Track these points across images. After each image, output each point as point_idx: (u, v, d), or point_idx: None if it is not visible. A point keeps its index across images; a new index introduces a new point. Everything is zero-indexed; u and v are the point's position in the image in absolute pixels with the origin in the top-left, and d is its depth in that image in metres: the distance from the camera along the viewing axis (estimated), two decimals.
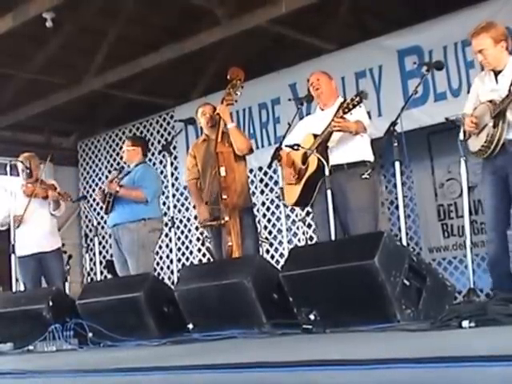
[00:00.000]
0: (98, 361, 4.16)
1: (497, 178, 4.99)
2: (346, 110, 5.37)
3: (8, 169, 7.33)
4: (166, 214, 9.61)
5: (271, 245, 8.94)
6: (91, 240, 8.41)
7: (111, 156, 10.70)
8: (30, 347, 5.58)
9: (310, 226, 8.15)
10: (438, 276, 4.54)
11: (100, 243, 7.10)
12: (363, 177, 5.54)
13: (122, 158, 9.09)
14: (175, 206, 9.40)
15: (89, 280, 10.07)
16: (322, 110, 5.88)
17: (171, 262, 8.37)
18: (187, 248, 9.82)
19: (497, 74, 5.02)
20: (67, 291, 7.53)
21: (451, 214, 8.69)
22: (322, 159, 5.39)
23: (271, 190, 9.09)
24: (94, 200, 10.37)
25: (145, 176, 7.02)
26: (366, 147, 5.72)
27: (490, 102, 4.94)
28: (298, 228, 8.75)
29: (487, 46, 4.96)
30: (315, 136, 5.61)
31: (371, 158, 5.73)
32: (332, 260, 4.37)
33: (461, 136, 4.86)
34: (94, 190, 10.60)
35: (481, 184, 5.05)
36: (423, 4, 8.69)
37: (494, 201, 4.98)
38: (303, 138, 5.72)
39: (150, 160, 10.21)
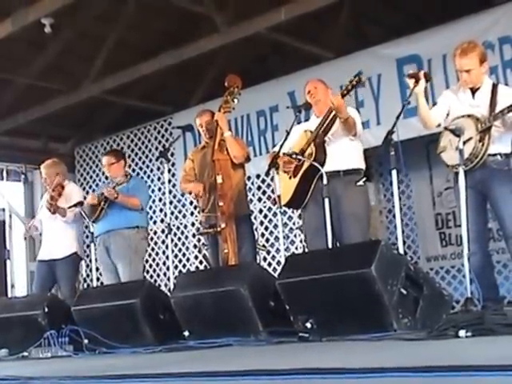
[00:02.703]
0: (93, 367, 4.15)
1: (475, 192, 5.05)
2: (346, 92, 5.44)
3: (4, 174, 7.32)
4: (162, 220, 9.64)
5: (268, 252, 8.93)
6: (88, 246, 8.39)
7: None
8: (25, 353, 5.57)
9: None
10: (435, 285, 4.54)
11: (96, 249, 7.06)
12: (358, 184, 5.58)
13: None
14: (172, 213, 9.39)
15: (85, 286, 10.04)
16: (317, 117, 5.88)
17: (168, 268, 8.35)
18: (184, 255, 9.80)
19: (474, 90, 5.21)
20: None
21: (449, 222, 8.70)
22: (318, 165, 5.39)
23: (269, 198, 9.07)
24: None
25: (139, 186, 7.19)
26: (359, 155, 5.78)
27: (469, 116, 5.09)
28: (295, 236, 8.74)
29: (474, 65, 5.14)
30: (311, 132, 5.64)
31: (364, 165, 5.77)
32: (329, 268, 4.35)
33: (460, 145, 4.85)
34: None
35: (456, 197, 5.06)
36: (422, 13, 8.70)
37: (474, 214, 5.02)
38: (298, 138, 5.75)
39: (148, 166, 10.22)
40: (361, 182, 5.64)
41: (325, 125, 5.61)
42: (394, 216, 8.23)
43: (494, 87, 5.18)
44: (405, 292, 4.12)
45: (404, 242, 4.98)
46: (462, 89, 5.30)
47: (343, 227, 5.55)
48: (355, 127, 5.58)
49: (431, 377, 2.18)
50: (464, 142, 4.92)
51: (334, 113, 5.51)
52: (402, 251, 4.81)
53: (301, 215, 6.59)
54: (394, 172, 4.96)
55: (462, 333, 3.37)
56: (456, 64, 5.21)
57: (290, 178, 5.75)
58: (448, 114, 5.33)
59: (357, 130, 5.61)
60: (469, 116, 5.10)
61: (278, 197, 6.01)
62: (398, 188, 5.06)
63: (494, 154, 5.06)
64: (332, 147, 5.63)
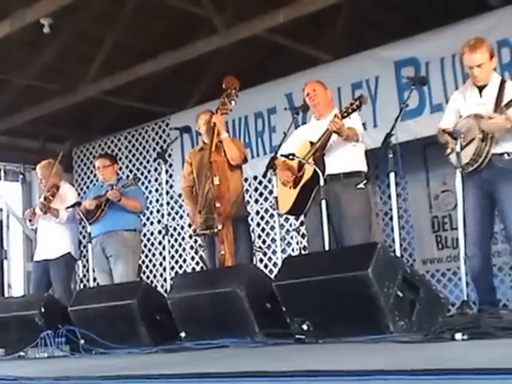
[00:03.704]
0: (89, 368, 4.15)
1: (482, 192, 5.02)
2: (346, 114, 5.39)
3: (2, 174, 7.35)
4: (159, 221, 9.64)
5: (265, 254, 8.93)
6: (84, 246, 8.39)
7: None
8: (22, 353, 5.57)
9: (303, 235, 8.12)
10: (432, 288, 4.54)
11: (93, 249, 7.07)
12: (358, 187, 5.56)
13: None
14: (169, 214, 9.39)
15: (81, 287, 10.04)
16: (318, 119, 5.89)
17: (164, 269, 8.37)
18: (181, 256, 9.80)
19: (481, 88, 5.10)
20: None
21: (445, 225, 8.70)
22: (318, 169, 5.39)
23: (266, 199, 9.08)
24: None
25: (137, 190, 7.23)
26: (361, 157, 5.75)
27: (475, 115, 5.00)
28: (291, 237, 8.75)
29: (486, 60, 5.02)
30: (312, 143, 5.63)
31: (365, 168, 5.75)
32: (326, 270, 4.36)
33: (457, 148, 4.84)
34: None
35: (463, 198, 5.04)
36: (420, 16, 8.71)
37: (477, 215, 4.99)
38: (300, 146, 5.74)
39: (145, 167, 10.22)
40: (361, 185, 5.61)
41: (324, 141, 5.58)
42: (390, 218, 8.26)
43: (502, 84, 5.05)
44: (401, 295, 4.12)
45: (400, 245, 4.98)
46: (469, 88, 5.20)
47: (343, 230, 5.56)
48: (356, 136, 5.58)
49: (427, 380, 2.18)
50: (468, 143, 4.91)
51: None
52: (398, 254, 4.81)
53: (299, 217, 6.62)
54: (392, 175, 4.95)
55: (458, 336, 3.37)
56: (466, 61, 5.08)
57: (290, 187, 5.76)
58: (461, 117, 5.22)
59: (358, 136, 5.61)
60: (475, 115, 5.00)
61: (276, 198, 6.02)
62: (395, 191, 5.05)
63: (501, 154, 4.96)
64: (333, 150, 5.62)
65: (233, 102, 6.12)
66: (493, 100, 4.99)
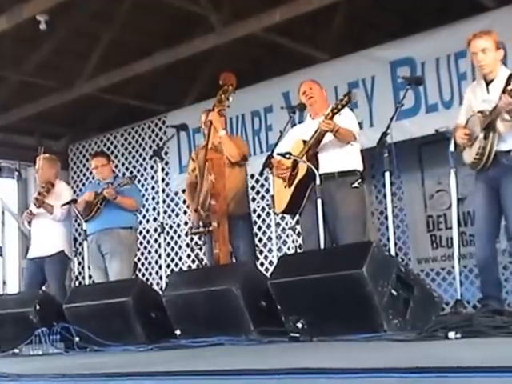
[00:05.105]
0: (84, 365, 4.14)
1: (489, 189, 5.00)
2: (336, 111, 5.37)
3: None
4: (155, 219, 9.64)
5: (261, 252, 8.94)
6: (80, 244, 8.39)
7: None
8: (16, 350, 5.57)
9: (299, 234, 8.13)
10: (426, 287, 4.55)
11: (89, 247, 7.07)
12: (353, 186, 5.57)
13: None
14: (165, 212, 9.39)
15: (77, 284, 10.04)
16: (313, 119, 5.89)
17: (160, 267, 8.37)
18: (176, 254, 9.80)
19: (488, 83, 5.03)
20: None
21: (440, 225, 8.72)
22: (312, 167, 5.40)
23: (262, 198, 9.09)
24: None
25: (134, 188, 7.23)
26: (356, 156, 5.75)
27: (481, 112, 4.95)
28: (287, 236, 8.76)
29: (490, 46, 4.96)
30: (305, 142, 5.63)
31: (361, 167, 5.75)
32: (320, 268, 4.37)
33: (451, 147, 4.86)
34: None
35: (472, 194, 5.06)
36: (417, 16, 8.72)
37: (485, 211, 4.99)
38: (293, 145, 5.75)
39: (141, 165, 10.21)
40: (356, 184, 5.61)
41: (317, 139, 5.58)
42: (385, 218, 8.27)
43: (510, 77, 4.92)
44: (395, 293, 4.14)
45: (395, 244, 4.99)
46: (478, 83, 5.14)
47: (338, 229, 5.56)
48: (351, 135, 5.57)
49: (421, 378, 2.19)
50: (473, 142, 4.90)
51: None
52: (393, 253, 4.83)
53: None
54: (387, 174, 4.97)
55: (451, 334, 3.38)
56: (471, 48, 5.01)
57: (285, 186, 5.77)
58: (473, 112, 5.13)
59: (354, 135, 5.61)
60: (481, 112, 4.95)
61: (272, 197, 6.02)
62: (390, 190, 5.07)
63: (507, 151, 4.89)
64: (329, 149, 5.63)
65: (230, 98, 6.08)
66: (498, 96, 4.86)
